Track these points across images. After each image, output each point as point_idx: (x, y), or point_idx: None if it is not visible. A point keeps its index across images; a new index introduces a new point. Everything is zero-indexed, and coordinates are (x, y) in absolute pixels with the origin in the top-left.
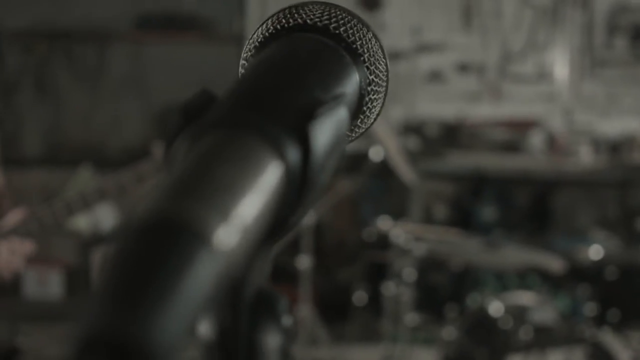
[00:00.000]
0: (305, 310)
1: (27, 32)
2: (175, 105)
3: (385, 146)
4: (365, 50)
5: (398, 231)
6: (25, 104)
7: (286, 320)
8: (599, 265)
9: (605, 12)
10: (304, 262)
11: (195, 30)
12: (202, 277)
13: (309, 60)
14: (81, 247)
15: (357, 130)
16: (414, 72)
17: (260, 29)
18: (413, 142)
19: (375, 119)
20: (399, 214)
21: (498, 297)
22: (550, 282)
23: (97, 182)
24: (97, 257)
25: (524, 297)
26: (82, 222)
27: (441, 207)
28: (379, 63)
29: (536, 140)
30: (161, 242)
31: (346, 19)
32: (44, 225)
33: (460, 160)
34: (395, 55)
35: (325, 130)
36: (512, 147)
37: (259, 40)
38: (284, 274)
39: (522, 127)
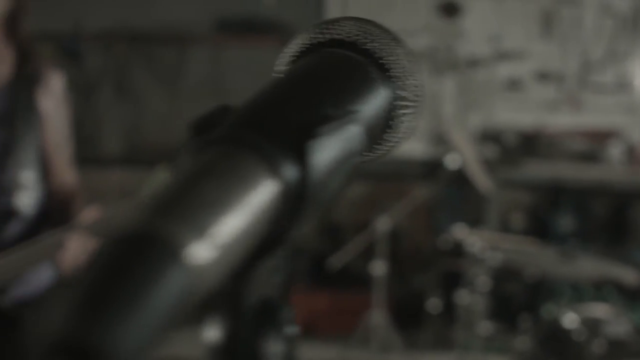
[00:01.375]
0: (379, 317)
1: (107, 33)
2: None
3: (462, 154)
4: (394, 66)
5: (473, 240)
6: (104, 104)
7: (289, 329)
8: None
9: None
10: (378, 268)
11: (274, 34)
12: (169, 290)
13: (325, 76)
14: None
15: (387, 144)
16: (492, 80)
17: (293, 44)
18: (491, 151)
19: (406, 135)
20: (475, 222)
21: (572, 309)
22: (626, 295)
23: None
24: None
25: (599, 310)
26: None
27: (518, 217)
28: (408, 79)
29: (615, 151)
30: (132, 253)
31: (375, 34)
32: (116, 224)
33: (537, 170)
34: (474, 63)
35: (328, 148)
36: (591, 157)
37: (292, 56)
38: (359, 280)
39: (601, 137)
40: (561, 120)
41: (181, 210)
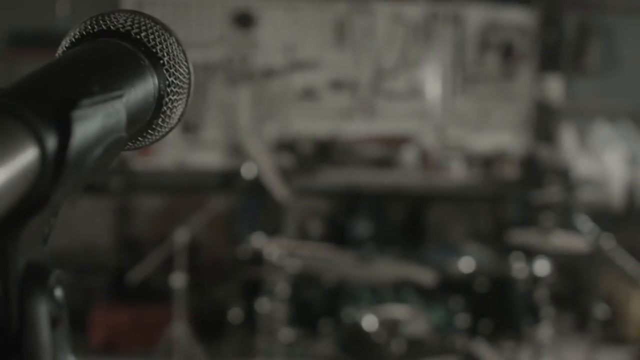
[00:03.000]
0: (181, 329)
1: None
2: None
3: (258, 164)
4: (165, 54)
5: (272, 248)
6: None
7: (57, 292)
8: (471, 278)
9: (476, 30)
10: (178, 280)
11: None
12: None
13: (94, 59)
14: None
15: (160, 129)
16: (287, 89)
17: (71, 33)
18: (287, 160)
19: (178, 120)
20: (273, 231)
21: (372, 311)
22: (424, 295)
23: None
24: None
25: (398, 311)
26: None
27: (315, 224)
28: (179, 66)
29: (409, 156)
30: None
31: (148, 25)
32: None
33: (333, 177)
34: (269, 73)
35: (89, 121)
36: (386, 163)
37: (66, 45)
38: (159, 293)
39: (394, 143)
40: (356, 128)
41: None
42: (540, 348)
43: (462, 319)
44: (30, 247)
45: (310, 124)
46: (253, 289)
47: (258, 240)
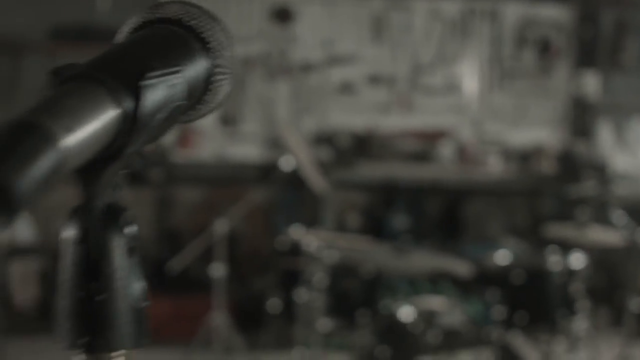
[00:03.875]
0: (220, 319)
1: None
2: None
3: (297, 156)
4: (212, 40)
5: (310, 239)
6: None
7: (129, 229)
8: (507, 270)
9: (513, 25)
10: (217, 270)
11: (108, 41)
12: (45, 157)
13: (155, 42)
14: None
15: (207, 104)
16: (325, 83)
17: (130, 22)
18: (325, 153)
19: (223, 98)
20: (311, 223)
21: (408, 302)
22: (460, 287)
23: None
24: (16, 270)
25: (434, 302)
26: None
27: (353, 216)
28: (224, 51)
29: (446, 150)
30: (21, 131)
31: (197, 14)
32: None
33: (371, 170)
34: (307, 67)
35: (157, 89)
36: (423, 157)
37: (128, 30)
38: (198, 283)
39: (432, 137)
40: (393, 122)
41: (54, 112)
42: (576, 341)
43: (498, 311)
44: (107, 190)
45: (348, 117)
46: (291, 280)
47: (296, 232)
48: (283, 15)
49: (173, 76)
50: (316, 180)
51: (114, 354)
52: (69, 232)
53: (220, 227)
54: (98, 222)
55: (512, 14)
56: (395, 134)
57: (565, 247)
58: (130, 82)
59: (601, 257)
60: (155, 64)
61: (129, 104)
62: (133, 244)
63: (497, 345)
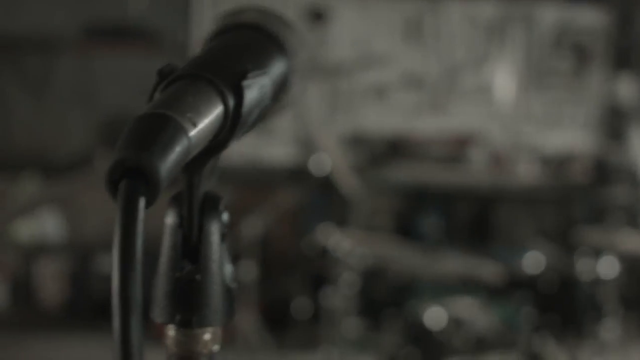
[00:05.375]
0: (248, 319)
1: None
2: (122, 116)
3: (330, 158)
4: (288, 43)
5: (339, 241)
6: None
7: (224, 216)
8: (537, 275)
9: (548, 29)
10: (246, 271)
11: (142, 40)
12: (180, 146)
13: (246, 45)
14: (24, 256)
15: (285, 101)
16: (358, 85)
17: (215, 25)
18: (357, 155)
19: (301, 95)
20: (342, 224)
21: (438, 305)
22: (490, 291)
23: (41, 188)
24: (44, 268)
25: (464, 305)
26: (24, 230)
27: (384, 219)
28: (300, 53)
29: (478, 154)
30: (160, 122)
31: (275, 20)
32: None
33: (402, 174)
34: (340, 69)
35: (253, 89)
36: (454, 160)
37: (212, 34)
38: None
39: (464, 141)
40: (426, 125)
41: (180, 107)
42: (605, 347)
43: (528, 316)
44: (207, 180)
45: (381, 120)
46: (319, 281)
47: (326, 233)
48: (317, 16)
49: (264, 77)
50: (348, 182)
51: (206, 329)
52: (170, 217)
53: (251, 227)
54: (198, 209)
55: (547, 17)
56: (427, 137)
57: (597, 252)
58: (232, 81)
59: (634, 263)
60: (249, 66)
61: (232, 101)
62: (225, 230)
63: (527, 351)
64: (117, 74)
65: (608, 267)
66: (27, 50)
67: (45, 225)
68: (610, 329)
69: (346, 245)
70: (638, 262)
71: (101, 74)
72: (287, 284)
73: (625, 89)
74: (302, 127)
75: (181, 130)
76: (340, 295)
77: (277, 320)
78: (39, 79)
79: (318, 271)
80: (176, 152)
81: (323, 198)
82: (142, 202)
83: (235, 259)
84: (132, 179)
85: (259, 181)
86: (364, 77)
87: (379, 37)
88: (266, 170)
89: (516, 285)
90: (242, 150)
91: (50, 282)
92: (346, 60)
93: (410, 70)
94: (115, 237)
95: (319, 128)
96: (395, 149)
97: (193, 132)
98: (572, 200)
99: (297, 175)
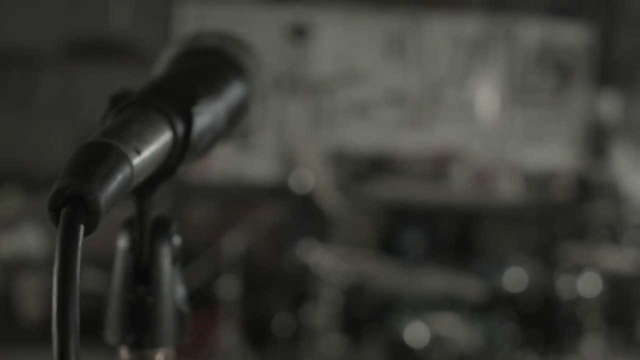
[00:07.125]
0: (228, 335)
1: None
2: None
3: (312, 175)
4: (246, 68)
5: (321, 257)
6: None
7: (175, 239)
8: (519, 292)
9: (530, 46)
10: (227, 287)
11: (125, 54)
12: (122, 174)
13: (203, 70)
14: (5, 271)
15: (242, 128)
16: (340, 101)
17: (169, 49)
18: (338, 172)
19: (256, 123)
20: (323, 241)
21: (419, 322)
22: (472, 308)
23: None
24: (23, 283)
25: (444, 322)
26: (5, 245)
27: (366, 236)
28: (257, 77)
29: (460, 171)
30: (103, 151)
31: (235, 45)
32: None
33: (385, 190)
34: (322, 86)
35: (204, 114)
36: (437, 177)
37: (171, 58)
38: (208, 300)
39: (445, 158)
40: (408, 142)
41: (125, 135)
42: None
43: (510, 333)
44: (157, 204)
45: (363, 137)
46: (301, 298)
47: (308, 250)
48: (299, 32)
49: (217, 102)
50: (330, 199)
51: (158, 350)
52: (121, 241)
53: (232, 244)
54: (149, 233)
55: (529, 33)
56: (409, 154)
57: (579, 269)
58: (182, 108)
59: (615, 280)
60: (201, 92)
61: (181, 128)
62: (178, 253)
63: None
64: (99, 89)
65: (590, 284)
66: (9, 65)
67: (26, 241)
68: (592, 345)
69: (328, 262)
70: (620, 279)
71: (83, 89)
72: (269, 301)
73: (607, 106)
74: (284, 143)
75: (124, 159)
76: (322, 312)
77: (258, 336)
78: (20, 93)
79: (300, 288)
80: (117, 180)
81: (305, 215)
82: (81, 230)
83: (217, 275)
84: (73, 207)
85: (241, 198)
86: (346, 94)
87: (361, 54)
88: (248, 186)
89: (498, 302)
90: (224, 167)
91: (32, 297)
92: (328, 76)
93: (393, 86)
94: (55, 263)
95: (301, 145)
96: (377, 165)
97: (137, 160)
98: (555, 217)
99: (279, 191)
